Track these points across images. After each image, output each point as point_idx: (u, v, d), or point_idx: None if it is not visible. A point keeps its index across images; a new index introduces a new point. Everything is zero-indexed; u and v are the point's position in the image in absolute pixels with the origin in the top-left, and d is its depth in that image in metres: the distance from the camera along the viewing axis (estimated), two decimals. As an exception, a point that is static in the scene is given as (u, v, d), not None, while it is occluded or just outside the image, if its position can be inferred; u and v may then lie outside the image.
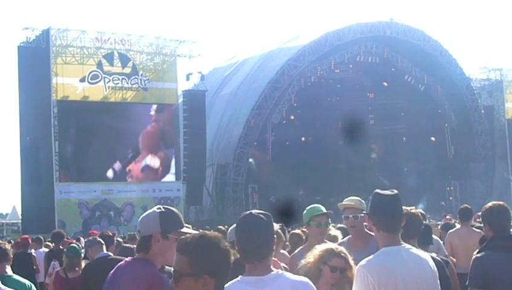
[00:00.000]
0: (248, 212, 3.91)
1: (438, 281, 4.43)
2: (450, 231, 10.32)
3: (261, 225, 3.80)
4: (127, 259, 4.41)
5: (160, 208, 4.27)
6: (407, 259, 4.34)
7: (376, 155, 50.94)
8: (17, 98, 36.40)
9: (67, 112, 36.56)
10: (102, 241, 8.78)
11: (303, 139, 48.65)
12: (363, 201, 6.49)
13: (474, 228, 10.02)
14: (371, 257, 4.41)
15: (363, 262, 4.39)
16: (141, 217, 4.33)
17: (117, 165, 37.95)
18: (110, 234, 10.41)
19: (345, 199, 6.61)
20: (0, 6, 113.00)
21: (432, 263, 4.43)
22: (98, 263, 7.74)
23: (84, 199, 36.41)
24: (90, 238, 9.53)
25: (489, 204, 5.68)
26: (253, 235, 3.77)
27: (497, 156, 48.73)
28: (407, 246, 4.47)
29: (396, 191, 4.55)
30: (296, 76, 41.85)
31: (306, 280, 3.93)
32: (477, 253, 5.42)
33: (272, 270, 3.79)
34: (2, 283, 5.72)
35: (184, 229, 4.21)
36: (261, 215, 3.82)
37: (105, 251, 8.50)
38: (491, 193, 43.17)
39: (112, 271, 4.41)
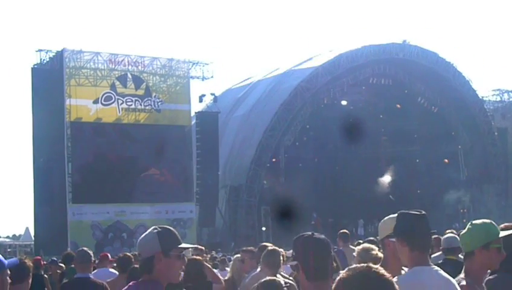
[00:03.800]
0: (310, 233, 4.04)
1: None
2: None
3: (329, 246, 3.99)
4: (130, 284, 4.38)
5: (156, 228, 4.29)
6: (437, 280, 4.34)
7: (389, 177, 50.73)
8: (31, 119, 36.50)
9: (80, 134, 36.74)
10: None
11: (316, 160, 48.46)
12: None
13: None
14: (404, 274, 4.43)
15: (394, 279, 4.36)
16: (139, 240, 4.33)
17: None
18: (130, 255, 9.90)
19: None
20: (14, 28, 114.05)
21: (458, 288, 4.40)
22: (76, 283, 8.24)
23: (97, 221, 36.42)
24: None
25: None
26: (324, 254, 3.93)
27: (510, 178, 48.47)
28: (436, 267, 4.47)
29: (423, 212, 4.54)
30: (309, 98, 41.85)
31: None
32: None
33: None
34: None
35: (183, 245, 4.30)
36: (324, 237, 4.00)
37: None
38: (504, 216, 42.81)
39: None
